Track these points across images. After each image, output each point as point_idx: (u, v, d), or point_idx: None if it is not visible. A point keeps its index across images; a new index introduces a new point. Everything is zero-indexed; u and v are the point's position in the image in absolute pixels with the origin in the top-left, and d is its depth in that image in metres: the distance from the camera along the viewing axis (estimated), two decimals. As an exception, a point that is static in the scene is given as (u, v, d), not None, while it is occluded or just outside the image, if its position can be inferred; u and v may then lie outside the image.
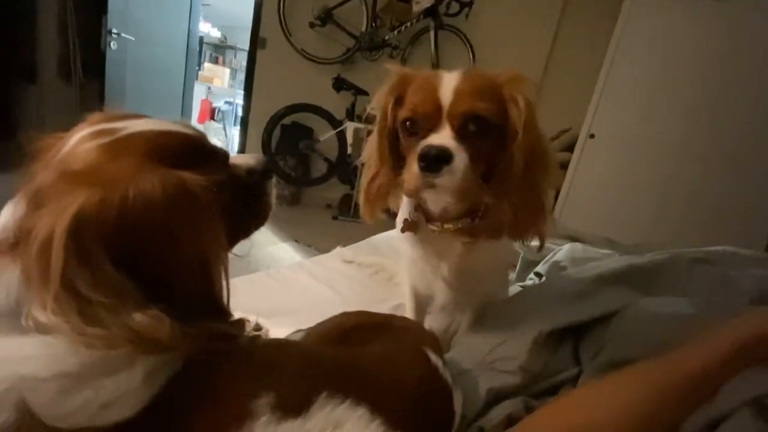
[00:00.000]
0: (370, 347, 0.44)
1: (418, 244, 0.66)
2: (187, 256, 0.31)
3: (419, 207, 0.63)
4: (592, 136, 2.47)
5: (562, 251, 1.02)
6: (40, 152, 0.36)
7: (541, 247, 0.61)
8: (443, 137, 0.50)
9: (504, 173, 0.53)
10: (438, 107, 0.51)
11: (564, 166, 2.59)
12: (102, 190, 0.28)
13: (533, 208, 0.55)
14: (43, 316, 0.26)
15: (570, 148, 2.59)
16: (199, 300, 0.32)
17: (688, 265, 0.70)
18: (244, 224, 0.44)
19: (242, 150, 3.41)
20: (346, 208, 3.09)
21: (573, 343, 0.61)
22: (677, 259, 0.71)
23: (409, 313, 0.77)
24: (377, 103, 0.59)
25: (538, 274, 1.01)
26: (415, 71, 0.58)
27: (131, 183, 0.28)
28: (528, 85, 0.54)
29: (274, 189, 0.48)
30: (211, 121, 5.22)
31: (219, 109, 5.33)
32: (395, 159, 0.58)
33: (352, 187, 3.09)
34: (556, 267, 0.96)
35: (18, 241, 0.29)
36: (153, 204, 0.28)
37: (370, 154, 0.63)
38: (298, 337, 0.47)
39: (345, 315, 0.51)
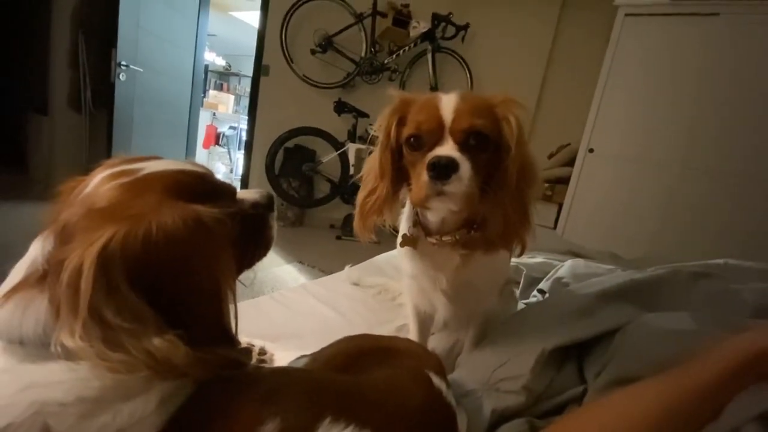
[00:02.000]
0: (373, 372, 0.44)
1: (417, 258, 0.68)
2: (202, 284, 0.33)
3: (418, 222, 0.66)
4: (591, 150, 2.49)
5: (565, 267, 1.02)
6: (63, 193, 0.38)
7: (521, 254, 0.64)
8: (448, 149, 0.54)
9: (499, 185, 0.57)
10: (440, 124, 0.55)
11: (564, 180, 2.61)
12: (126, 224, 0.29)
13: (521, 218, 0.58)
14: (70, 342, 0.27)
15: (570, 162, 2.62)
16: (210, 327, 0.33)
17: (690, 279, 0.70)
18: (249, 255, 0.46)
19: (247, 172, 3.46)
20: (350, 228, 3.10)
21: (577, 360, 0.61)
22: (678, 273, 0.71)
23: (412, 334, 0.77)
24: (380, 124, 0.63)
25: (542, 291, 1.01)
26: (414, 95, 0.63)
27: (153, 218, 0.30)
28: (519, 107, 0.59)
29: (276, 222, 0.50)
30: (216, 146, 5.32)
31: (223, 134, 5.45)
32: (395, 174, 0.62)
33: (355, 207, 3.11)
34: (559, 283, 0.96)
35: (46, 274, 0.31)
36: (173, 236, 0.30)
37: (369, 170, 0.66)
38: (301, 363, 0.48)
39: (348, 340, 0.52)
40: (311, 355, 0.49)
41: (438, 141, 0.56)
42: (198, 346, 0.30)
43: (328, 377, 0.42)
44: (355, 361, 0.46)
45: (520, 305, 0.97)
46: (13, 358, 0.29)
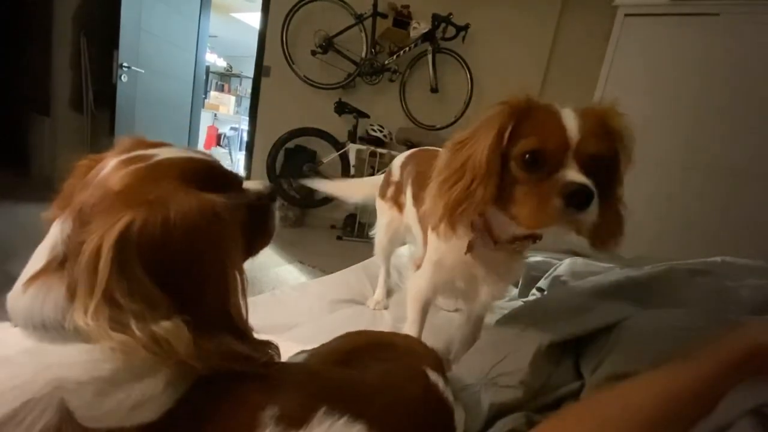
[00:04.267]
0: (370, 367, 0.44)
1: (468, 258, 0.65)
2: (213, 271, 0.34)
3: (483, 229, 0.62)
4: (591, 150, 2.50)
5: (563, 265, 1.03)
6: (77, 171, 0.39)
7: (611, 255, 0.62)
8: (580, 175, 0.50)
9: (602, 195, 0.53)
10: (566, 144, 0.51)
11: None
12: (145, 210, 0.30)
13: (619, 223, 0.59)
14: (81, 321, 0.28)
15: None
16: (218, 314, 0.34)
17: (686, 277, 0.70)
18: (253, 243, 0.47)
19: (248, 174, 3.48)
20: (350, 228, 3.11)
21: (574, 356, 0.61)
22: (675, 270, 0.72)
23: (410, 327, 0.77)
24: (492, 119, 0.55)
25: (541, 289, 1.01)
26: (536, 102, 0.57)
27: (171, 205, 0.31)
28: (626, 118, 0.57)
29: (278, 212, 0.51)
30: (217, 147, 5.35)
31: (224, 135, 5.47)
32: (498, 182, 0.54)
33: (356, 208, 3.13)
34: (558, 281, 0.96)
35: (66, 258, 0.32)
36: (189, 224, 0.31)
37: (464, 163, 0.56)
38: (301, 358, 0.48)
39: (347, 336, 0.52)
40: (311, 350, 0.50)
41: (560, 163, 0.51)
42: (205, 334, 0.31)
43: (325, 371, 0.43)
44: (353, 357, 0.47)
45: (518, 303, 0.98)
46: (33, 340, 0.31)
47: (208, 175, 0.38)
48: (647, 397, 0.43)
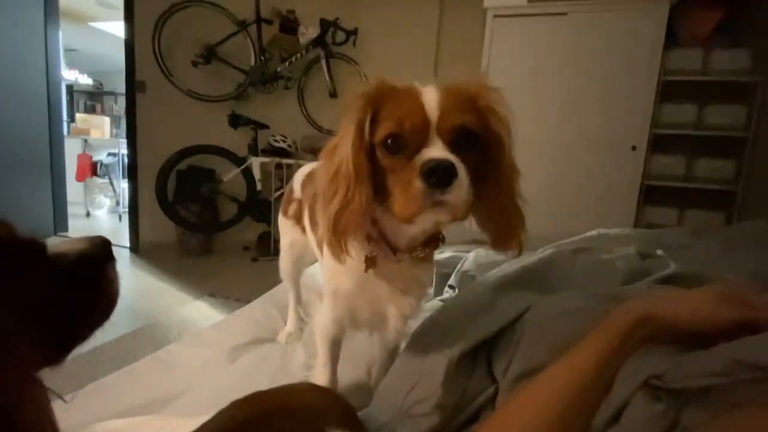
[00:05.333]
0: None
1: (370, 277, 0.60)
2: None
3: (376, 238, 0.58)
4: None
5: (469, 259, 1.05)
6: None
7: (519, 254, 0.58)
8: (441, 151, 0.46)
9: (490, 185, 0.51)
10: (425, 122, 0.48)
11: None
12: None
13: (518, 217, 0.54)
14: None
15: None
16: None
17: (571, 257, 0.76)
18: (78, 326, 0.36)
19: (134, 204, 3.05)
20: (266, 248, 2.92)
21: (486, 360, 0.61)
22: (561, 253, 0.77)
23: (321, 367, 0.70)
24: (350, 116, 0.51)
25: (452, 287, 1.03)
26: (391, 82, 0.53)
27: None
28: (498, 93, 0.54)
29: (118, 274, 0.40)
30: (94, 177, 4.61)
31: (101, 163, 4.73)
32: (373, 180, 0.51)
33: (269, 224, 2.95)
34: (466, 276, 0.98)
35: None
36: None
37: (334, 177, 0.52)
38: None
39: (233, 408, 0.43)
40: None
41: (423, 142, 0.47)
42: None
43: None
44: None
45: (436, 302, 0.98)
46: None
47: None
48: (552, 394, 0.43)
